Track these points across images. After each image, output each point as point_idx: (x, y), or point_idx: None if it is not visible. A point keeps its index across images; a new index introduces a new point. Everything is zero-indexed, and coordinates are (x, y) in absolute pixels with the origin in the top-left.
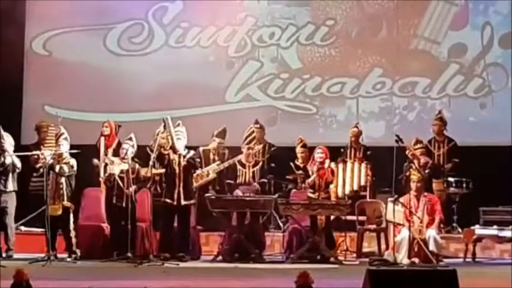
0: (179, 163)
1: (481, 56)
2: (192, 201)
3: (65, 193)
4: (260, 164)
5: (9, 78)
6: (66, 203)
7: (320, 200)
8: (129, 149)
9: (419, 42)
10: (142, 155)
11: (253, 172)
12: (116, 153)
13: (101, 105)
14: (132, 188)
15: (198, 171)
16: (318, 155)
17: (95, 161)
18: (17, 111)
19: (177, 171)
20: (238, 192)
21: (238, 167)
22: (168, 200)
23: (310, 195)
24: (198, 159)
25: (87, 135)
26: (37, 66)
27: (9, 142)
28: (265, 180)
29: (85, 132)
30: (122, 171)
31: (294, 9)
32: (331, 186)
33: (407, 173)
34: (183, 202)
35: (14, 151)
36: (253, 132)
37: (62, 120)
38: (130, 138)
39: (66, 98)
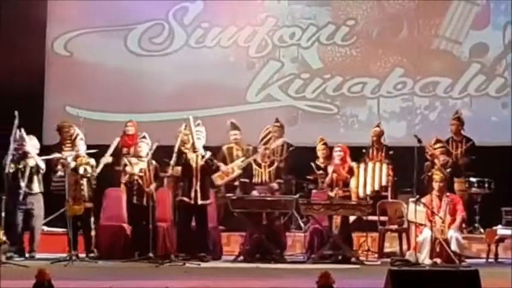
0: (197, 162)
1: (503, 56)
2: (208, 201)
3: (85, 193)
4: (276, 164)
5: (32, 79)
6: (87, 203)
7: (338, 199)
8: (146, 147)
9: (440, 42)
10: (163, 155)
11: (269, 172)
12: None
13: (122, 106)
14: (153, 186)
15: (223, 169)
16: (337, 153)
17: (103, 158)
18: (39, 112)
19: (194, 170)
20: (254, 193)
21: (254, 166)
22: (185, 199)
23: (330, 193)
24: (216, 160)
25: (108, 135)
26: (58, 67)
27: (32, 144)
28: (281, 181)
29: (106, 132)
30: (140, 170)
31: (315, 9)
32: (353, 186)
33: (430, 173)
34: (199, 202)
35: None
36: (269, 133)
37: (83, 120)
38: (144, 137)
39: (87, 99)
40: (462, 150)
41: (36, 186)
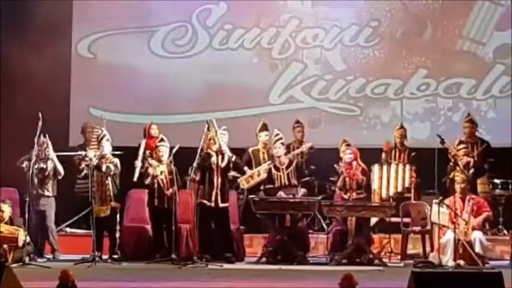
0: (217, 165)
1: None
2: (227, 204)
3: (111, 194)
4: (294, 163)
5: (58, 81)
6: (113, 203)
7: (353, 201)
8: (166, 150)
9: (464, 43)
10: (187, 157)
11: (288, 174)
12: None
13: (145, 108)
14: (173, 188)
15: (249, 172)
16: (347, 155)
17: (136, 163)
18: (66, 114)
19: (215, 172)
20: (281, 194)
21: (273, 171)
22: (205, 202)
23: (344, 196)
24: (240, 162)
25: (132, 137)
26: (82, 69)
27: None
28: (307, 178)
29: (129, 134)
30: (161, 173)
31: (338, 11)
32: (376, 187)
33: (451, 175)
34: (220, 204)
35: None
36: (278, 134)
37: (106, 122)
38: (162, 140)
39: (111, 100)
40: (478, 152)
41: (51, 190)
